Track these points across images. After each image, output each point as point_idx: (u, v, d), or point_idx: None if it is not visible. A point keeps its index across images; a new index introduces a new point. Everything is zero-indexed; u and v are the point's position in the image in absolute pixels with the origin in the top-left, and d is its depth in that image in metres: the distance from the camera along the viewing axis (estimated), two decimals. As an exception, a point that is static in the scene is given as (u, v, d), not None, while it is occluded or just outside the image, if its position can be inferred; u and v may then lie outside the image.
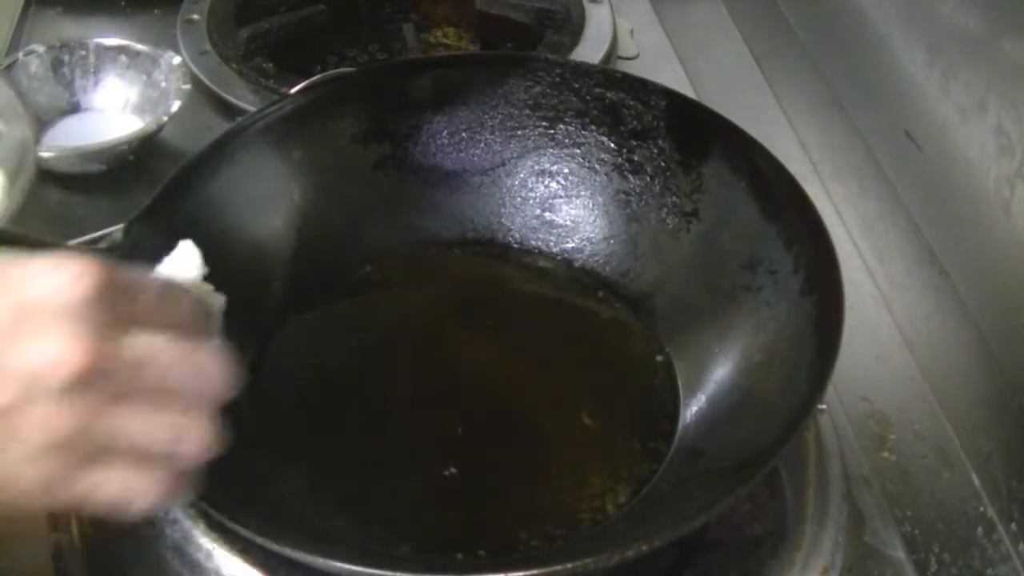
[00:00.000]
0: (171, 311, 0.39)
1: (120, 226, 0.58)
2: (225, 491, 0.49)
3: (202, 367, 0.39)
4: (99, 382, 0.36)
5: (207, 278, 0.46)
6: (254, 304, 0.63)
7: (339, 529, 0.55)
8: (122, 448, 0.37)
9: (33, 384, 0.35)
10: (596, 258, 0.70)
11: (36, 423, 0.35)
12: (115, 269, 0.37)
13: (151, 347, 0.37)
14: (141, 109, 0.85)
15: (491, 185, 0.72)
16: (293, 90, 0.72)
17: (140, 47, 0.86)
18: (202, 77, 0.88)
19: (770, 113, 0.93)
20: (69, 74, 0.85)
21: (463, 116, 0.71)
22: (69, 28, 0.97)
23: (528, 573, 0.44)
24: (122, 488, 0.37)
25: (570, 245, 0.71)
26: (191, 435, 0.39)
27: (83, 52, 0.85)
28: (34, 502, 0.37)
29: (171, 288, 0.41)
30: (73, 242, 0.62)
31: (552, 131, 0.71)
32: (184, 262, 0.45)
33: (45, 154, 0.79)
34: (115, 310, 0.36)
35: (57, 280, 0.35)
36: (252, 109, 0.78)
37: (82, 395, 0.35)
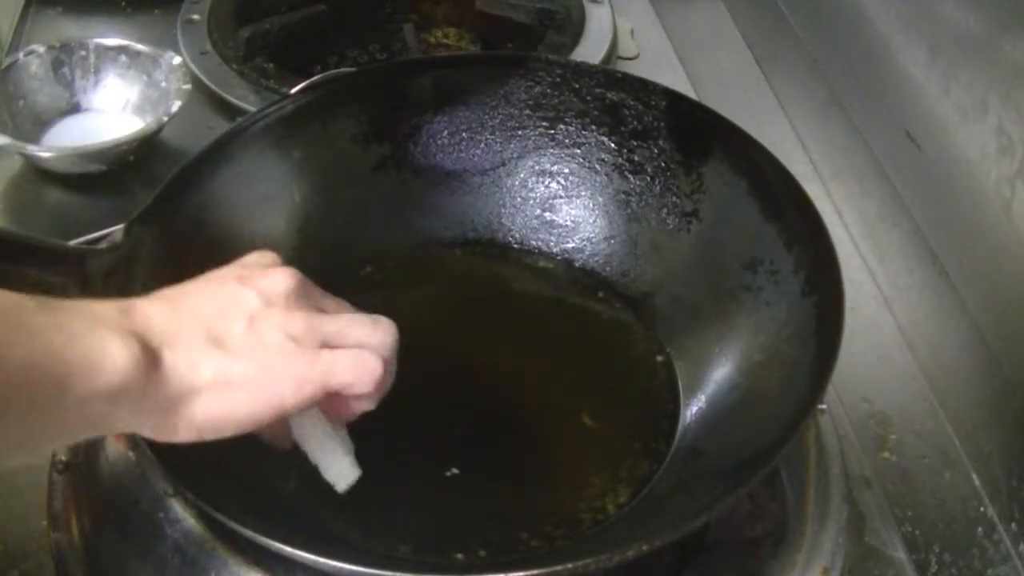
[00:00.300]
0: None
1: (120, 226, 0.58)
2: (225, 491, 0.49)
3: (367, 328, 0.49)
4: (308, 297, 0.48)
5: None
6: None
7: (339, 529, 0.54)
8: (339, 340, 0.47)
9: (266, 296, 0.46)
10: (596, 258, 0.70)
11: (274, 323, 0.46)
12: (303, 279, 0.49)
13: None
14: (141, 109, 0.85)
15: (491, 185, 0.72)
16: (293, 90, 0.72)
17: (140, 47, 0.86)
18: (202, 77, 0.88)
19: (771, 113, 0.93)
20: (69, 74, 0.85)
21: (463, 116, 0.71)
22: (69, 28, 0.97)
23: (528, 573, 0.44)
24: (352, 364, 0.46)
25: (570, 245, 0.71)
26: (376, 330, 0.49)
27: (83, 52, 0.85)
28: (288, 393, 0.45)
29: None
30: (73, 242, 0.62)
31: (552, 131, 0.71)
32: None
33: (45, 154, 0.79)
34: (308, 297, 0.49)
35: (261, 255, 0.50)
36: (252, 109, 0.78)
37: (299, 302, 0.47)
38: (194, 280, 0.48)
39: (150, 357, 0.42)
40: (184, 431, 0.44)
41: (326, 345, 0.47)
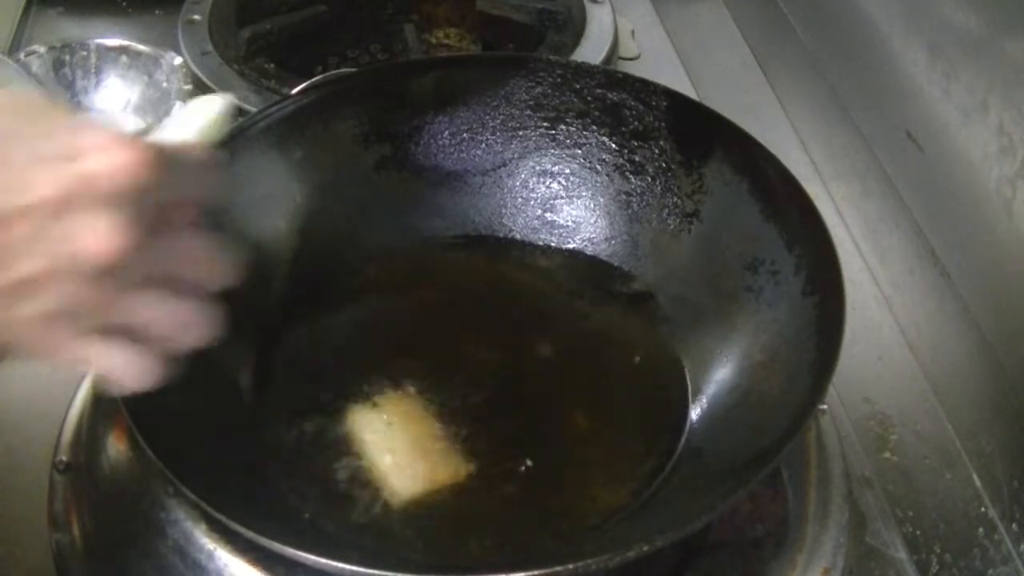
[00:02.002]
0: (192, 186, 0.43)
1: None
2: (226, 491, 0.49)
3: (205, 260, 0.43)
4: (122, 273, 0.39)
5: None
6: (255, 304, 0.63)
7: (339, 529, 0.55)
8: (124, 328, 0.40)
9: (66, 262, 0.37)
10: (597, 259, 0.70)
11: (57, 293, 0.38)
12: (157, 153, 0.39)
13: (168, 243, 0.41)
14: (142, 110, 0.85)
15: (492, 186, 0.72)
16: (294, 91, 0.72)
17: (141, 47, 0.86)
18: (203, 78, 0.88)
19: (771, 114, 0.93)
20: (70, 74, 0.85)
21: (464, 117, 0.71)
22: (70, 28, 0.97)
23: (529, 573, 0.44)
24: (113, 364, 0.41)
25: (571, 246, 0.71)
26: (189, 321, 0.42)
27: (84, 52, 0.85)
28: (30, 355, 0.40)
29: (193, 163, 0.44)
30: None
31: (553, 132, 0.71)
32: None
33: (46, 154, 0.79)
34: (149, 201, 0.39)
35: (114, 161, 0.37)
36: (253, 110, 0.78)
37: (105, 280, 0.38)
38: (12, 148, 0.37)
39: None
40: None
41: (108, 328, 0.40)
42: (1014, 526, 0.61)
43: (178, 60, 0.85)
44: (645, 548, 0.45)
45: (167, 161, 0.40)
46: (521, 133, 0.71)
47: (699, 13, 1.07)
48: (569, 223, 0.71)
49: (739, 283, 0.62)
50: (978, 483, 0.65)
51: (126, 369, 0.41)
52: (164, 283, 0.41)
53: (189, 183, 0.43)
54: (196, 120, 0.49)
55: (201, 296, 0.42)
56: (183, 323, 0.42)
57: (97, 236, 0.37)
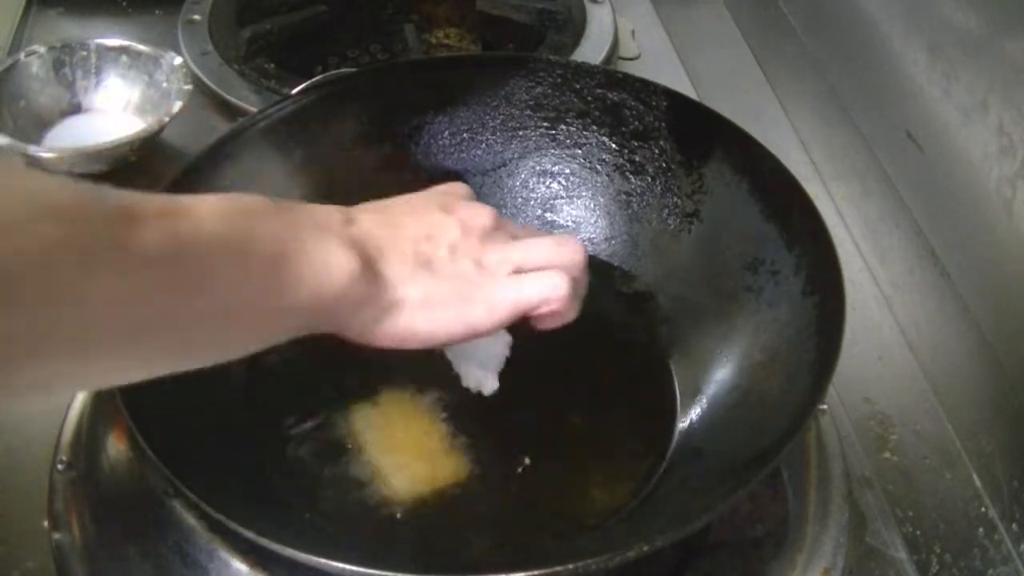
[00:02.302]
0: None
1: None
2: (226, 491, 0.49)
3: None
4: (502, 230, 0.53)
5: None
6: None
7: (339, 530, 0.55)
8: (529, 265, 0.51)
9: (466, 226, 0.51)
10: (597, 259, 0.70)
11: (471, 252, 0.50)
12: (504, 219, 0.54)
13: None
14: (142, 110, 0.85)
15: (493, 186, 0.72)
16: (295, 91, 0.72)
17: (141, 48, 0.86)
18: (203, 78, 0.88)
19: (771, 114, 0.93)
20: (70, 75, 0.85)
21: (464, 117, 0.71)
22: (70, 29, 0.97)
23: (529, 573, 0.44)
24: (540, 286, 0.50)
25: (571, 246, 0.71)
26: (569, 250, 0.53)
27: (84, 53, 0.85)
28: (483, 316, 0.50)
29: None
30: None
31: (553, 132, 0.71)
32: None
33: (46, 155, 0.79)
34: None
35: (478, 212, 0.53)
36: (254, 110, 0.78)
37: (494, 234, 0.52)
38: (398, 198, 0.53)
39: (369, 269, 0.47)
40: (383, 339, 0.49)
41: (518, 271, 0.51)
42: (1014, 526, 0.61)
43: (178, 60, 0.85)
44: (645, 548, 0.45)
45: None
46: (521, 133, 0.71)
47: (699, 13, 1.07)
48: (569, 223, 0.71)
49: (739, 283, 0.62)
50: (978, 483, 0.65)
51: (550, 293, 0.50)
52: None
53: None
54: None
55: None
56: (564, 251, 0.52)
57: (474, 210, 0.52)
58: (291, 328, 0.46)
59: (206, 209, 0.41)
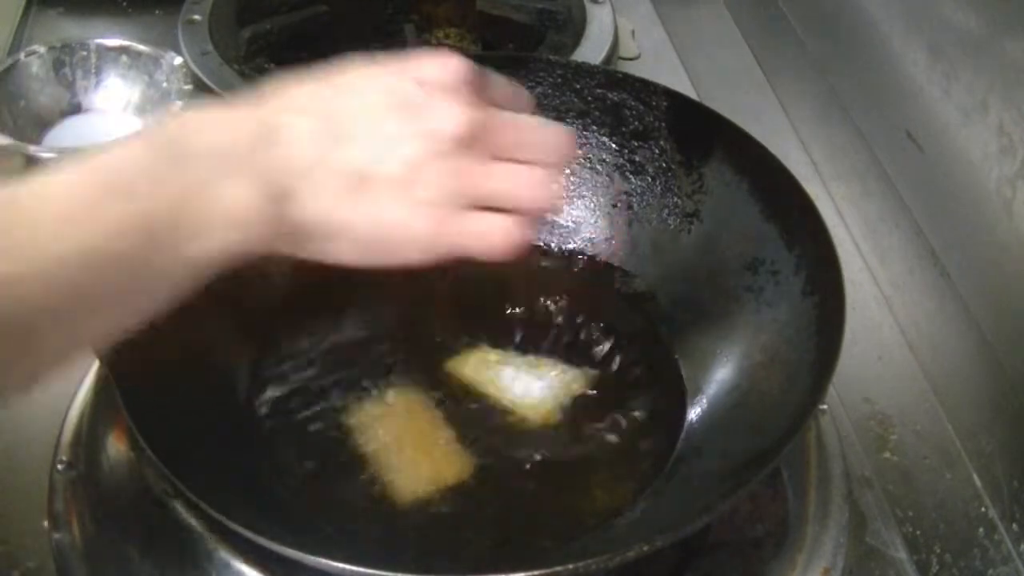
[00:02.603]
0: (514, 100, 0.50)
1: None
2: (226, 491, 0.49)
3: (544, 136, 0.48)
4: (475, 144, 0.45)
5: None
6: (256, 305, 0.63)
7: (339, 530, 0.55)
8: (490, 200, 0.46)
9: (433, 140, 0.44)
10: (597, 259, 0.70)
11: (434, 175, 0.44)
12: (470, 62, 0.47)
13: (508, 118, 0.48)
14: (142, 110, 0.85)
15: (492, 186, 0.72)
16: (294, 90, 0.72)
17: (141, 48, 0.86)
18: (203, 78, 0.88)
19: (771, 114, 0.93)
20: (70, 75, 0.85)
21: (464, 117, 0.71)
22: (70, 29, 0.97)
23: (529, 573, 0.44)
24: (485, 235, 0.46)
25: (571, 246, 0.71)
26: (538, 186, 0.47)
27: (84, 53, 0.85)
28: (416, 247, 0.46)
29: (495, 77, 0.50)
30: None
31: (553, 132, 0.71)
32: None
33: (46, 155, 0.79)
34: (479, 91, 0.46)
35: (441, 66, 0.46)
36: (253, 109, 0.78)
37: (465, 153, 0.45)
38: (364, 74, 0.47)
39: (280, 205, 0.43)
40: (314, 256, 0.46)
41: (475, 203, 0.46)
42: (1014, 526, 0.61)
43: (178, 60, 0.85)
44: (645, 548, 0.45)
45: (482, 72, 0.48)
46: (521, 133, 0.71)
47: (699, 13, 1.07)
48: (569, 223, 0.71)
49: (739, 283, 0.62)
50: (978, 483, 0.65)
51: (495, 232, 0.46)
52: (511, 159, 0.47)
53: (504, 95, 0.50)
54: None
55: (545, 168, 0.48)
56: (534, 187, 0.47)
57: (447, 116, 0.44)
58: (212, 266, 0.43)
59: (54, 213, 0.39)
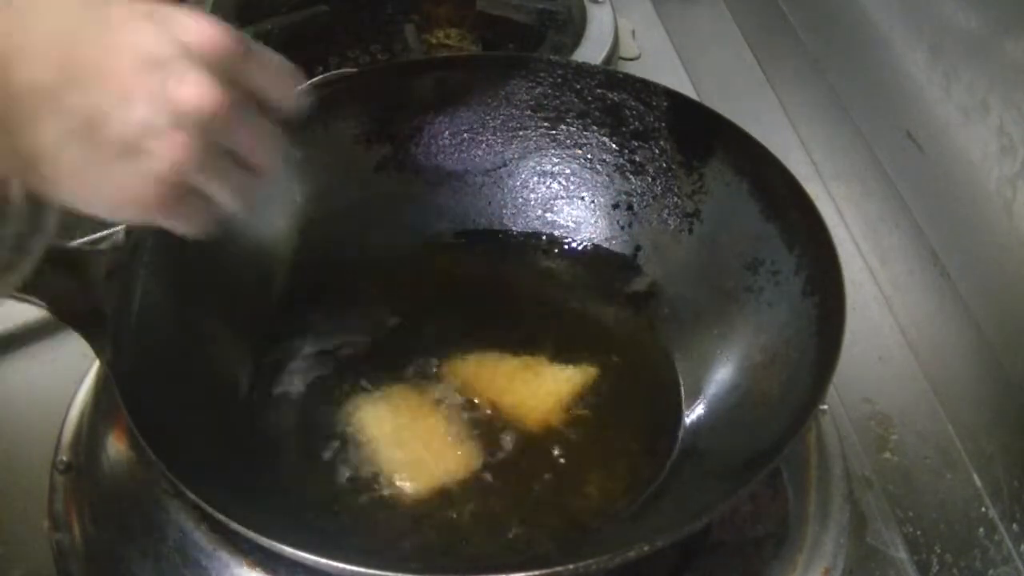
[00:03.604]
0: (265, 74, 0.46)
1: (122, 227, 0.58)
2: (226, 491, 0.49)
3: (269, 142, 0.47)
4: (216, 125, 0.42)
5: None
6: (255, 304, 0.64)
7: (339, 530, 0.55)
8: (204, 183, 0.43)
9: (174, 111, 0.40)
10: (597, 259, 0.70)
11: (168, 147, 0.41)
12: (240, 36, 0.44)
13: (248, 118, 0.45)
14: (143, 110, 0.84)
15: (493, 186, 0.72)
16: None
17: (142, 48, 0.85)
18: (204, 78, 0.88)
19: (772, 114, 0.93)
20: (71, 75, 0.85)
21: (465, 117, 0.71)
22: (71, 29, 0.97)
23: (529, 574, 0.44)
24: (191, 213, 0.44)
25: (572, 246, 0.71)
26: (248, 190, 0.46)
27: (85, 53, 0.85)
28: (131, 212, 0.44)
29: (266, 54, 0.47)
30: (75, 242, 0.62)
31: (554, 132, 0.71)
32: None
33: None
34: (234, 68, 0.43)
35: (207, 31, 0.42)
36: (254, 110, 0.78)
37: (203, 133, 0.41)
38: (129, 15, 0.41)
39: (10, 135, 0.40)
40: (44, 192, 0.43)
41: (196, 184, 0.43)
42: (1014, 526, 0.61)
43: (178, 60, 0.85)
44: (645, 548, 0.45)
45: (250, 46, 0.44)
46: (521, 133, 0.71)
47: (699, 13, 1.07)
48: (570, 223, 0.71)
49: (739, 283, 0.62)
50: (978, 483, 0.64)
51: (200, 218, 0.45)
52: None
53: (270, 76, 0.46)
54: None
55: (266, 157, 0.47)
56: (244, 190, 0.46)
57: (196, 89, 0.41)
58: None
59: None
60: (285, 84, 0.47)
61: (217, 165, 0.44)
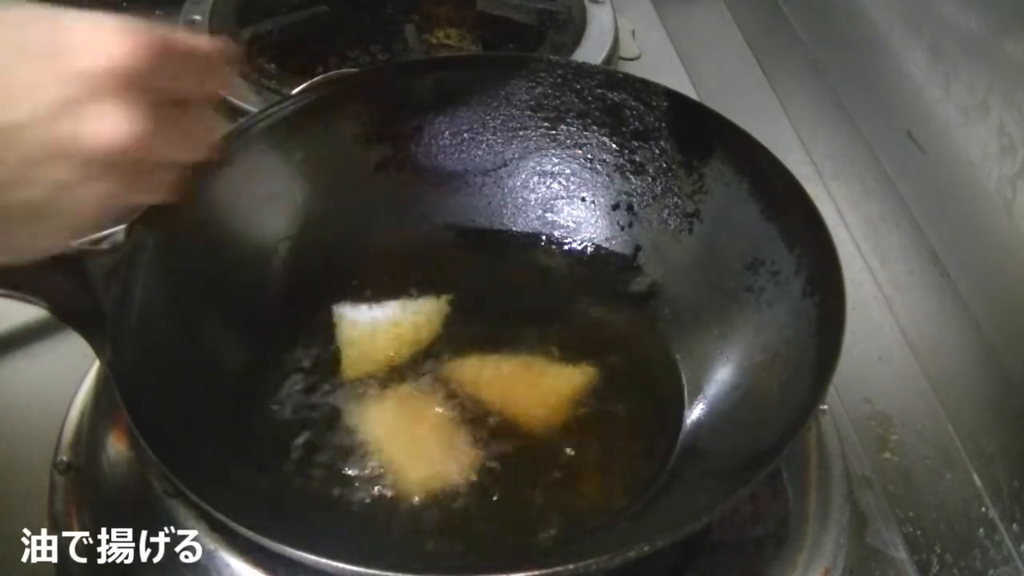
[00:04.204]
0: (193, 70, 0.43)
1: (122, 227, 0.58)
2: (226, 491, 0.49)
3: (200, 133, 0.44)
4: (137, 155, 0.39)
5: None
6: (256, 305, 0.64)
7: (340, 529, 0.55)
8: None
9: (87, 161, 0.38)
10: (597, 259, 0.70)
11: (80, 204, 0.39)
12: (155, 36, 0.39)
13: (170, 120, 0.41)
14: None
15: (493, 186, 0.72)
16: (295, 91, 0.72)
17: (142, 48, 0.85)
18: (204, 78, 0.88)
19: (772, 114, 0.93)
20: (71, 75, 0.85)
21: (465, 117, 0.71)
22: (71, 29, 0.97)
23: (529, 573, 0.44)
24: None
25: (571, 246, 0.71)
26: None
27: (85, 53, 0.85)
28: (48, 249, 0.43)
29: (193, 46, 0.43)
30: (75, 243, 0.62)
31: (554, 132, 0.71)
32: None
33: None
34: (152, 74, 0.39)
35: (114, 48, 0.38)
36: (254, 110, 0.78)
37: (121, 169, 0.39)
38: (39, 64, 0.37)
39: None
40: None
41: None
42: (1014, 526, 0.61)
43: (178, 60, 0.85)
44: (645, 548, 0.45)
45: (172, 47, 0.40)
46: (521, 133, 0.71)
47: (699, 13, 1.07)
48: (570, 223, 0.71)
49: (739, 283, 0.62)
50: (978, 483, 0.65)
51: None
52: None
53: (198, 70, 0.43)
54: None
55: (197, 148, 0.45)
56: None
57: (106, 128, 0.38)
58: None
59: None
60: (213, 69, 0.45)
61: (142, 182, 0.42)
